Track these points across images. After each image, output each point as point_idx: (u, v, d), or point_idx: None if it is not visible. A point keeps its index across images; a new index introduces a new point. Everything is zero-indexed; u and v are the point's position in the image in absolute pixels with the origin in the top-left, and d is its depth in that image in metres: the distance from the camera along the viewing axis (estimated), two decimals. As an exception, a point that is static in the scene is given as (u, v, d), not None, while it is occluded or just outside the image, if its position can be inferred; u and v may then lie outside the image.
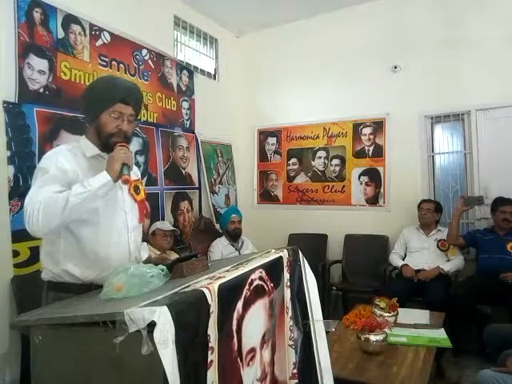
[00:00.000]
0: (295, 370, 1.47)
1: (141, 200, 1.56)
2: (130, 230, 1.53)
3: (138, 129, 3.30)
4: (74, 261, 1.42)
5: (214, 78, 4.55)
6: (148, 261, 1.62)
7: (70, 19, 2.79)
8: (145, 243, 2.01)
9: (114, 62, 3.13)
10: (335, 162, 4.26)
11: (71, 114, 2.69)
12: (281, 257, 1.49)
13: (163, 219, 3.47)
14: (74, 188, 1.32)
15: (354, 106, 4.11)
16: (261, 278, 1.31)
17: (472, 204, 3.29)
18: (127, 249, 1.51)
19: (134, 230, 1.55)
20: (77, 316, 1.02)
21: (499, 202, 3.21)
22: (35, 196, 1.34)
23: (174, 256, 2.85)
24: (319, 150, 4.35)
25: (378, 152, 4.04)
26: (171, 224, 3.40)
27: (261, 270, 1.32)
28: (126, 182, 1.41)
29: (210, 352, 1.00)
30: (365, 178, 4.10)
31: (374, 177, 4.05)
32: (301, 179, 4.47)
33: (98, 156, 1.51)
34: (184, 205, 3.82)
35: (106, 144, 1.48)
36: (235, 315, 1.14)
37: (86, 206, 1.33)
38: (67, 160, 1.43)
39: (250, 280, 1.24)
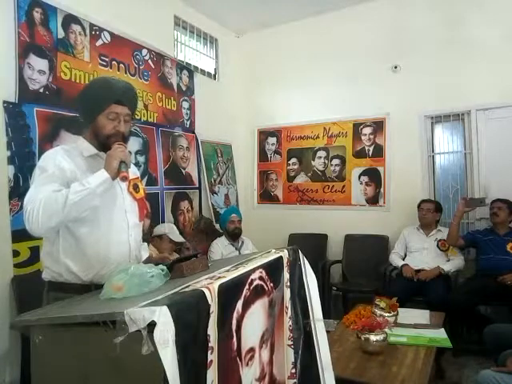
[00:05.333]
0: (294, 370, 1.47)
1: (140, 198, 1.58)
2: (131, 228, 1.54)
3: (137, 129, 3.30)
4: (74, 259, 1.42)
5: (214, 78, 4.55)
6: (148, 260, 1.63)
7: (70, 19, 2.79)
8: (145, 243, 2.01)
9: (114, 62, 3.13)
10: (335, 161, 4.26)
11: (71, 114, 2.68)
12: (281, 257, 1.48)
13: (163, 219, 3.47)
14: (72, 186, 1.33)
15: (354, 106, 4.11)
16: (261, 278, 1.31)
17: (474, 205, 3.28)
18: (127, 247, 1.52)
19: (134, 228, 1.56)
20: (77, 316, 1.02)
21: (492, 201, 3.26)
22: (34, 195, 1.34)
23: (174, 256, 2.85)
24: (319, 149, 4.35)
25: (378, 152, 4.04)
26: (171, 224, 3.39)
27: (261, 269, 1.32)
28: (125, 179, 1.42)
29: (209, 352, 1.00)
30: (365, 178, 4.10)
31: (374, 177, 4.05)
32: (301, 179, 4.47)
33: (96, 155, 1.52)
34: (184, 205, 3.82)
35: (103, 145, 1.49)
36: (235, 315, 1.14)
37: (85, 204, 1.33)
38: (65, 159, 1.44)
39: (249, 280, 1.24)
